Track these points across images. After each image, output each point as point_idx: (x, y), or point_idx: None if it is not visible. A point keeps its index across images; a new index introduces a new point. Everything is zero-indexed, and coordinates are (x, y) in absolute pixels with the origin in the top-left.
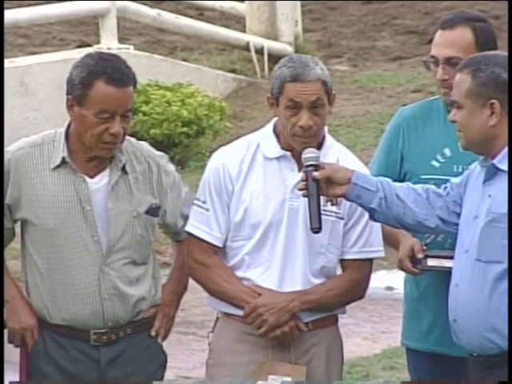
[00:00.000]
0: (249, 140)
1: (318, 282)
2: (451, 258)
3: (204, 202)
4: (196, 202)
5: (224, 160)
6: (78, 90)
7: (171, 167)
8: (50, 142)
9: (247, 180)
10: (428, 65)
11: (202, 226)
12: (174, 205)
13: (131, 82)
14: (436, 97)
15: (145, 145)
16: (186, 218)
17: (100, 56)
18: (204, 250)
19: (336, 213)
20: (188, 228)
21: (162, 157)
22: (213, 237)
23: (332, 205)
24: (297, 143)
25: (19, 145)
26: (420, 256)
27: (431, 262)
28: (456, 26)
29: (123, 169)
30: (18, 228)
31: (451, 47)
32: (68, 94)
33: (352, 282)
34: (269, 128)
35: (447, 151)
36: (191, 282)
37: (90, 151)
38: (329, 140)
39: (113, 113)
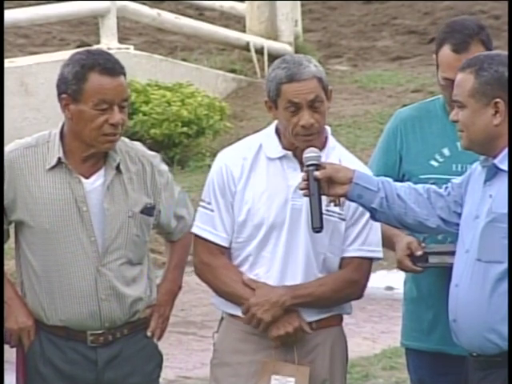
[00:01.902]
0: (251, 140)
1: None
2: (452, 253)
3: (209, 203)
4: (201, 203)
5: (227, 160)
6: (73, 85)
7: (164, 167)
8: (44, 144)
9: (250, 180)
10: (445, 87)
11: (207, 227)
12: (168, 204)
13: (123, 71)
14: (432, 98)
15: (138, 145)
16: (178, 218)
17: (88, 51)
18: (211, 251)
19: (339, 214)
20: (194, 229)
21: (154, 156)
22: (219, 237)
23: (335, 205)
24: (300, 142)
25: (13, 146)
26: (419, 253)
27: (433, 260)
28: (470, 47)
29: (117, 168)
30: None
31: None
32: (61, 93)
33: (348, 279)
34: (271, 128)
35: (446, 151)
36: (190, 281)
37: (88, 149)
38: (332, 141)
39: (110, 102)
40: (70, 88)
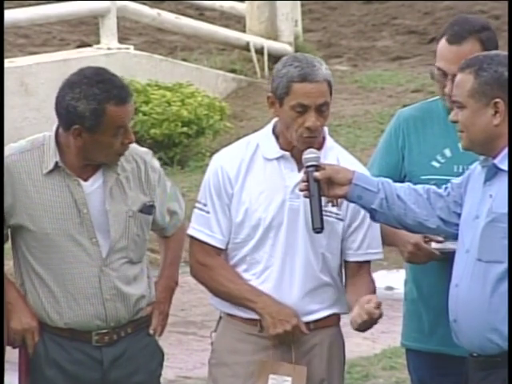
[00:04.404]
0: (248, 141)
1: (317, 282)
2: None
3: (205, 205)
4: (197, 205)
5: (223, 162)
6: (91, 120)
7: (156, 163)
8: (39, 147)
9: (246, 181)
10: (434, 75)
11: (203, 228)
12: (161, 200)
13: (132, 92)
14: (434, 98)
15: None
16: (171, 212)
17: (95, 79)
18: (207, 252)
19: (336, 214)
20: (190, 231)
21: (147, 153)
22: (215, 239)
23: (332, 206)
24: (301, 143)
25: (9, 151)
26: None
27: (435, 245)
28: (464, 41)
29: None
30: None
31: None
32: (73, 124)
33: (372, 283)
34: (268, 128)
35: (447, 152)
36: (190, 281)
37: (85, 161)
38: (329, 141)
39: (125, 127)
40: (86, 122)
